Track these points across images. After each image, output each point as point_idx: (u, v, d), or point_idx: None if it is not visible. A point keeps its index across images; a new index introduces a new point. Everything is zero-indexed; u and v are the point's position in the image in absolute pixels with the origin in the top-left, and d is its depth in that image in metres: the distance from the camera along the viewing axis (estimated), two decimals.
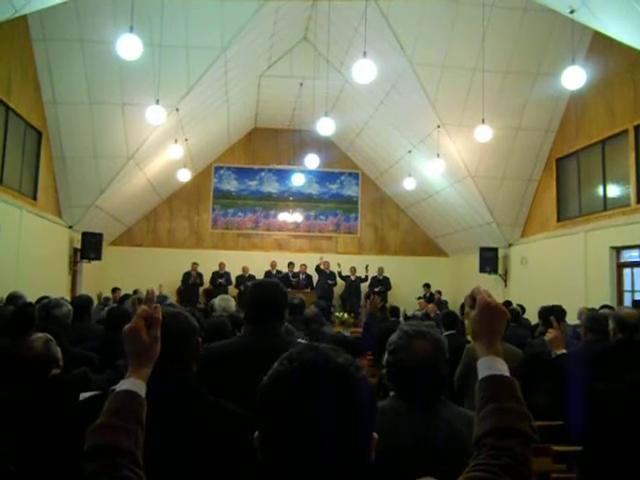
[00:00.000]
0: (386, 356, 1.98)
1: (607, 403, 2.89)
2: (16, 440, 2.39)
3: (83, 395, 2.57)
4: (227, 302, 5.63)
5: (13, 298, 6.28)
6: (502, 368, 1.29)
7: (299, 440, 0.91)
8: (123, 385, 1.38)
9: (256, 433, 0.98)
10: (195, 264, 15.09)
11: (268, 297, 2.67)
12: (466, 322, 7.80)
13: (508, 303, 9.86)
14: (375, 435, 1.00)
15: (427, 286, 15.43)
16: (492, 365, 1.29)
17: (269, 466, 0.95)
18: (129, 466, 1.23)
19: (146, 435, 1.34)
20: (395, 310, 8.96)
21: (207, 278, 15.22)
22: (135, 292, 10.37)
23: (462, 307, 12.54)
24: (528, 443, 1.21)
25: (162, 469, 1.83)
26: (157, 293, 10.53)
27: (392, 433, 1.76)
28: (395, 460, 1.72)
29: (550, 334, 3.60)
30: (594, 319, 4.51)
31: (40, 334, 2.96)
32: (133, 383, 1.38)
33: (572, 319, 7.07)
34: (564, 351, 3.41)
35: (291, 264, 15.42)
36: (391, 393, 1.96)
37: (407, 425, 1.81)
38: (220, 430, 1.81)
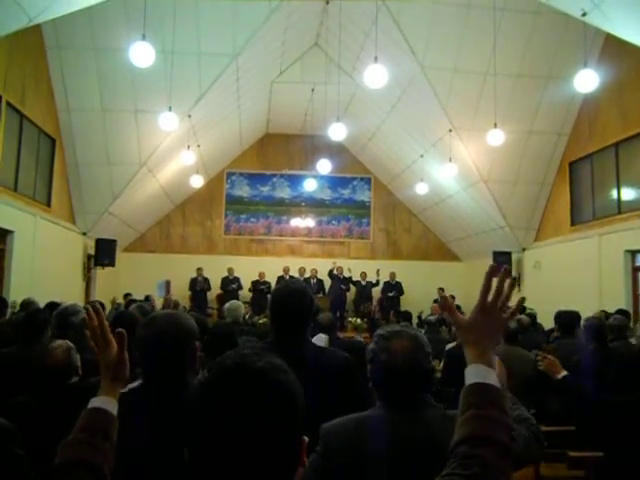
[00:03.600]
0: (368, 367, 1.95)
1: (621, 414, 2.86)
2: (33, 446, 2.40)
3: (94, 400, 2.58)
4: (236, 309, 5.58)
5: (26, 305, 6.33)
6: (490, 377, 1.23)
7: (218, 447, 0.90)
8: (95, 403, 1.45)
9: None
10: (200, 269, 15.12)
11: (293, 304, 2.62)
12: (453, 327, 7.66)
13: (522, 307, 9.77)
14: (305, 439, 0.98)
15: (442, 290, 15.32)
16: (480, 373, 1.24)
17: (197, 475, 0.94)
18: None
19: (140, 441, 1.36)
20: (407, 315, 8.90)
21: (219, 284, 15.27)
22: (147, 298, 10.44)
23: None
24: (505, 453, 1.14)
25: (155, 476, 1.83)
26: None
27: (374, 441, 1.74)
28: (376, 468, 1.70)
29: (543, 363, 3.32)
30: (593, 328, 4.48)
31: (60, 341, 2.98)
32: (104, 401, 1.46)
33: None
34: (565, 373, 3.27)
35: (301, 269, 15.39)
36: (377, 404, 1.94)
37: (390, 432, 1.77)
38: None
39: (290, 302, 2.63)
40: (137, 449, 1.76)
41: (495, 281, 1.28)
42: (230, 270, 15.26)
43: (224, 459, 0.90)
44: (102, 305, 5.49)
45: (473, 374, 1.25)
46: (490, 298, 1.28)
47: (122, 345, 1.53)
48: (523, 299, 1.40)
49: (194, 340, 2.08)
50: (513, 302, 1.36)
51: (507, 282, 1.28)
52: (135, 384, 2.00)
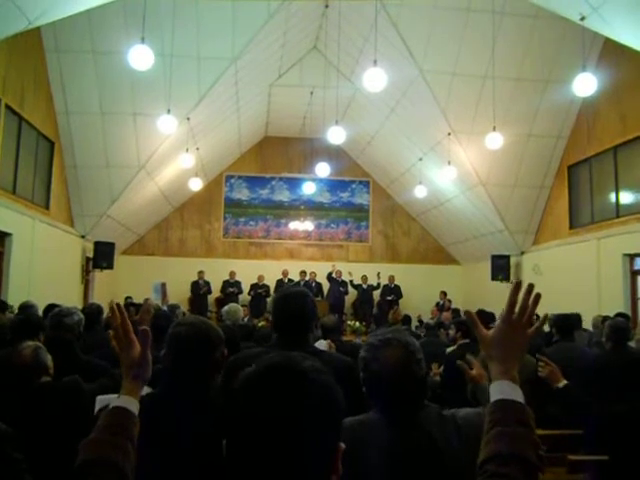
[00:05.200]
0: (361, 374, 1.94)
1: (623, 419, 2.85)
2: None
3: (101, 398, 2.58)
4: (235, 312, 5.57)
5: (25, 307, 6.32)
6: (516, 394, 1.23)
7: (256, 442, 0.91)
8: (116, 402, 1.43)
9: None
10: (201, 272, 15.14)
11: (295, 308, 2.62)
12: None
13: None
14: (342, 445, 0.98)
15: (444, 294, 15.34)
16: (504, 390, 1.23)
17: (232, 471, 0.94)
18: None
19: (162, 446, 1.36)
20: (407, 318, 8.88)
21: (219, 287, 15.27)
22: (146, 301, 10.39)
23: (479, 314, 12.45)
24: (532, 471, 1.14)
25: (177, 477, 1.84)
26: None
27: (373, 443, 1.74)
28: (376, 470, 1.70)
29: (544, 370, 3.31)
30: (616, 328, 4.54)
31: (30, 342, 2.99)
32: (126, 401, 1.43)
33: (586, 327, 7.00)
34: (565, 382, 3.26)
35: (302, 272, 15.40)
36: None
37: (383, 439, 1.76)
38: None
39: (292, 305, 2.63)
40: (165, 448, 1.78)
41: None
42: (232, 274, 15.30)
43: (260, 454, 0.91)
44: (100, 308, 5.49)
45: (498, 390, 1.24)
46: (515, 314, 1.28)
47: (146, 344, 1.51)
48: (546, 315, 1.39)
49: (222, 345, 2.14)
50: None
51: (532, 298, 1.28)
52: (148, 390, 1.99)
